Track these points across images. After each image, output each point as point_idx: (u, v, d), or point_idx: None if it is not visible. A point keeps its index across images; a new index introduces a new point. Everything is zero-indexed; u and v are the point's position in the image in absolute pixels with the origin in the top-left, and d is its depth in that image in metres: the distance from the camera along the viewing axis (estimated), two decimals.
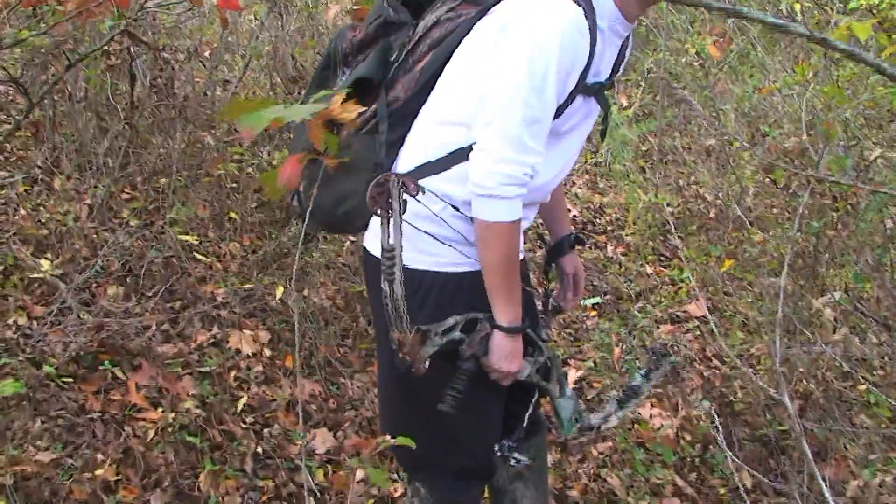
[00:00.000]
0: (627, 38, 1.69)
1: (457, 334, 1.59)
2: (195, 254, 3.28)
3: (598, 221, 4.66)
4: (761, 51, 5.32)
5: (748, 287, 3.82)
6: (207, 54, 4.44)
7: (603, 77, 1.62)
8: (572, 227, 2.27)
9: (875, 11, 4.48)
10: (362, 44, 1.74)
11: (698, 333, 3.67)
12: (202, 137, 3.54)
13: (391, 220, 1.49)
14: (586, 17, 1.50)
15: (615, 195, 4.77)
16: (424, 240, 1.61)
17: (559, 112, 1.57)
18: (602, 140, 2.04)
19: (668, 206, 4.48)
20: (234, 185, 3.49)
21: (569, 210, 4.66)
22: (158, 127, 3.53)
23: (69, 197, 3.25)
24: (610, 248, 4.39)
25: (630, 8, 1.58)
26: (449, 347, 1.58)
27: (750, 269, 3.76)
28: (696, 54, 5.19)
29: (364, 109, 1.64)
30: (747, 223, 3.90)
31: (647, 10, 1.64)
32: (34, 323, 2.64)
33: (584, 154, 5.04)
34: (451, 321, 1.59)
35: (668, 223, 4.36)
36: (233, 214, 3.46)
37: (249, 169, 3.52)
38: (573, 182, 4.91)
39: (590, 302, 3.78)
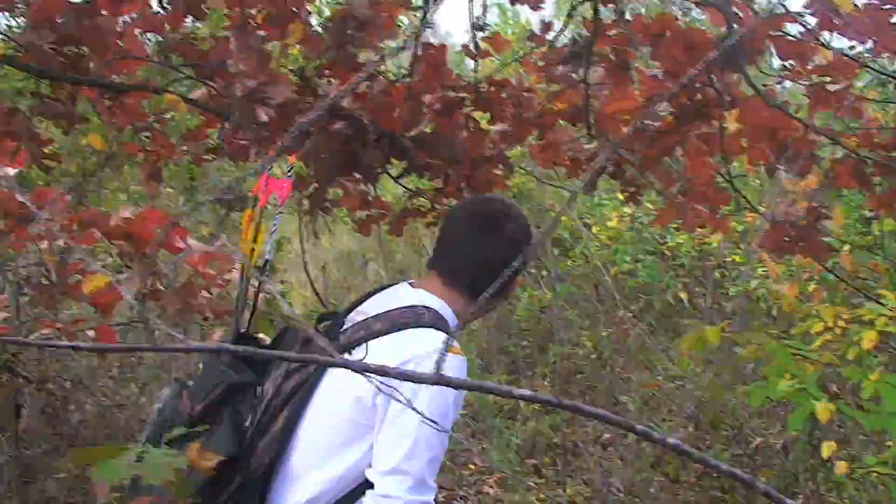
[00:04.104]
0: None
1: None
2: None
3: None
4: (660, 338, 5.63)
5: None
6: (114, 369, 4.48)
7: None
8: None
9: (753, 297, 4.92)
10: (205, 414, 1.60)
11: None
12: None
13: None
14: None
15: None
16: None
17: None
18: None
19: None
20: None
21: None
22: (49, 456, 3.47)
23: None
24: None
25: (464, 317, 1.71)
26: None
27: None
28: (593, 347, 5.49)
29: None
30: None
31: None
32: None
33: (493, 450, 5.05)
34: None
35: None
36: None
37: None
38: (484, 481, 4.87)
39: None
